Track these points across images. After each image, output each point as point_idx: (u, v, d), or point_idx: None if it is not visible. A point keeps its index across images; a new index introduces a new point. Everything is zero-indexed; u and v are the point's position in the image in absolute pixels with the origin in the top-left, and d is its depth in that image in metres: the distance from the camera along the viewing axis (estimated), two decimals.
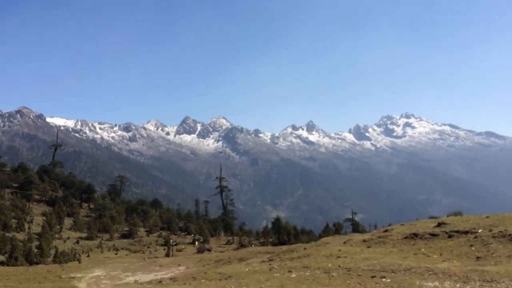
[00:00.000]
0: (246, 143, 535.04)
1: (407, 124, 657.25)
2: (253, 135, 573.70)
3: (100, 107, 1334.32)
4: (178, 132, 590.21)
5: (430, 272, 11.97)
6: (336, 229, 58.09)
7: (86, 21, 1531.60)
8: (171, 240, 48.31)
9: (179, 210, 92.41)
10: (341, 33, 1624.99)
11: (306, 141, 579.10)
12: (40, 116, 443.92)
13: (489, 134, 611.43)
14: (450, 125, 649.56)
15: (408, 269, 12.77)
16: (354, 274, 12.78)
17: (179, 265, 23.31)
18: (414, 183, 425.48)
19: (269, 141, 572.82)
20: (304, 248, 22.57)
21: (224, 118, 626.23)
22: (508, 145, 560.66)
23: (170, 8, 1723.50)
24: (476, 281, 10.26)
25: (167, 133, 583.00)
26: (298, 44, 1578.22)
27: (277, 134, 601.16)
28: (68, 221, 58.33)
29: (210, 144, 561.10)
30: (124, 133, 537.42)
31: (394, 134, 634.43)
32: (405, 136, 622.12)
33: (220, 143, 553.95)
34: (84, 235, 52.80)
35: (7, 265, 25.56)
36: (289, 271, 14.95)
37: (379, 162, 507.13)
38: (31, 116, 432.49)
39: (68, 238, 45.98)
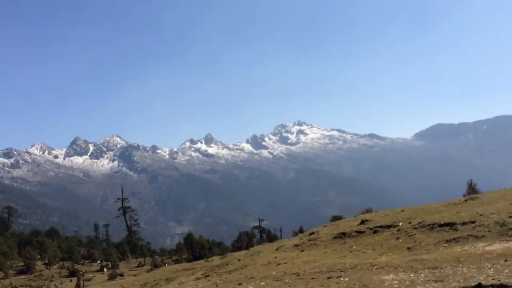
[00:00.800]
0: (144, 161, 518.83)
1: (300, 131, 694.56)
2: (150, 151, 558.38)
3: None
4: (67, 155, 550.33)
5: (376, 267, 13.04)
6: (249, 238, 59.00)
7: None
8: (75, 271, 44.98)
9: (77, 237, 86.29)
10: (231, 45, 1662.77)
11: (205, 154, 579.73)
12: None
13: (372, 136, 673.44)
14: (338, 130, 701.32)
15: (354, 267, 13.74)
16: (307, 278, 13.35)
17: None
18: (309, 186, 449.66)
19: (167, 156, 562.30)
20: (239, 260, 22.59)
21: (118, 136, 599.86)
22: (388, 145, 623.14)
23: (49, 21, 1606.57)
24: (423, 269, 11.48)
25: (55, 156, 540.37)
26: (190, 57, 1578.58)
27: (175, 149, 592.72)
28: None
29: (105, 164, 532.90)
30: (5, 160, 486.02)
31: (289, 141, 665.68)
32: (299, 143, 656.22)
33: (116, 162, 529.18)
34: None
35: None
36: (240, 284, 15.08)
37: (276, 169, 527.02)
38: None
39: None
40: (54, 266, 54.31)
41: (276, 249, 23.05)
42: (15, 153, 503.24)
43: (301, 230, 62.17)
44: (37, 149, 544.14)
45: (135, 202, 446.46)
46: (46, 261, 54.39)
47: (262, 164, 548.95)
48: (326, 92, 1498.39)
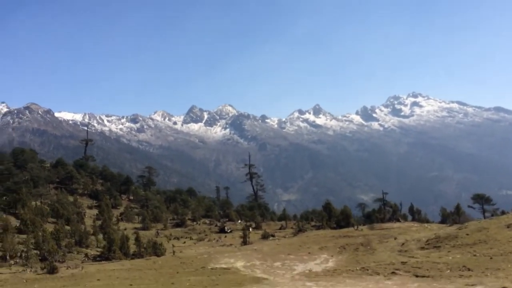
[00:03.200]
0: (254, 129, 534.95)
1: (415, 103, 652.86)
2: (260, 121, 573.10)
3: (106, 99, 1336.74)
4: (185, 121, 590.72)
5: None
6: (394, 211, 55.64)
7: (89, 15, 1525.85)
8: (225, 227, 48.70)
9: (211, 197, 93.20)
10: (342, 17, 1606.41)
11: (313, 124, 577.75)
12: (49, 111, 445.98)
13: (498, 109, 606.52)
14: (458, 102, 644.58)
15: None
16: None
17: (309, 253, 21.84)
18: (424, 161, 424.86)
19: (276, 126, 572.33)
20: (467, 234, 20.97)
21: (230, 105, 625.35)
22: None
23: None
24: None
25: (174, 123, 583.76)
26: (301, 29, 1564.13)
27: (284, 119, 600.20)
28: (115, 213, 59.36)
29: (218, 131, 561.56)
30: (132, 125, 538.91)
31: (402, 113, 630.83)
32: (413, 115, 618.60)
33: (228, 130, 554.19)
34: (137, 225, 53.53)
35: (107, 259, 26.00)
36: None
37: (387, 142, 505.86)
38: (40, 112, 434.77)
39: (125, 229, 46.68)
40: (200, 222, 59.44)
41: (508, 227, 21.02)
42: (140, 118, 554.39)
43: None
44: (159, 116, 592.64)
45: (245, 169, 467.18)
46: (191, 217, 59.42)
47: (372, 137, 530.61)
48: (446, 62, 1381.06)
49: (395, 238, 24.68)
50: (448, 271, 13.53)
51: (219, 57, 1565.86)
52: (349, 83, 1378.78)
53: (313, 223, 55.15)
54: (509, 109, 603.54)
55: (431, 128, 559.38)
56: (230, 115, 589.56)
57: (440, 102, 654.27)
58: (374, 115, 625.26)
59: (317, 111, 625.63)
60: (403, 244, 21.64)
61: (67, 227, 40.20)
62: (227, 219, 64.83)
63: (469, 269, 13.43)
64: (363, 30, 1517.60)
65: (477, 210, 53.73)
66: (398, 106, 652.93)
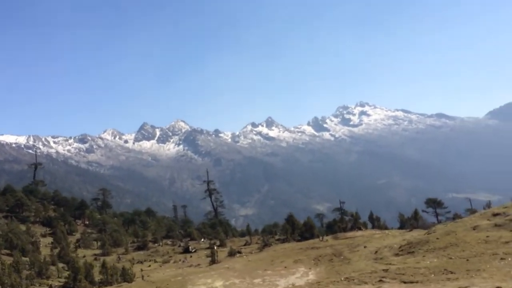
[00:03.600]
0: (208, 144, 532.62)
1: (363, 113, 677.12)
2: (213, 135, 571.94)
3: (52, 120, 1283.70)
4: (136, 139, 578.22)
5: None
6: (355, 219, 56.35)
7: (29, 31, 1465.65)
8: (189, 247, 47.89)
9: (169, 217, 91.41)
10: (292, 27, 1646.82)
11: (266, 137, 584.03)
12: None
13: (440, 115, 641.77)
14: (403, 110, 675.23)
15: None
16: None
17: (285, 267, 21.51)
18: (373, 169, 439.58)
19: (230, 140, 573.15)
20: (437, 238, 21.12)
21: (182, 121, 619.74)
22: (458, 125, 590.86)
23: (115, 9, 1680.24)
24: None
25: (125, 141, 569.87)
26: (252, 39, 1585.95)
27: (237, 133, 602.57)
28: (71, 240, 56.78)
29: (171, 148, 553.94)
30: (80, 145, 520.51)
31: (351, 123, 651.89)
32: (361, 124, 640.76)
33: (181, 146, 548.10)
34: (97, 251, 51.52)
35: None
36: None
37: (339, 152, 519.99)
38: None
39: (85, 257, 44.78)
40: (162, 243, 57.92)
41: (473, 228, 21.24)
42: (89, 138, 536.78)
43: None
44: (109, 135, 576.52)
45: (201, 185, 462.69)
46: (151, 238, 57.95)
47: (324, 147, 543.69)
48: (389, 70, 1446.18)
49: (365, 247, 25.50)
50: (432, 275, 14.24)
51: (169, 71, 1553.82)
52: (300, 94, 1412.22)
53: (277, 237, 55.45)
54: (450, 115, 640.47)
55: (378, 136, 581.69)
56: (183, 131, 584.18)
57: (386, 111, 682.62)
58: (325, 125, 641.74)
59: (269, 123, 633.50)
60: (376, 252, 22.39)
61: (25, 258, 38.16)
62: (189, 238, 63.83)
63: (451, 272, 14.19)
64: (312, 41, 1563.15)
65: (430, 214, 56.19)
66: (347, 116, 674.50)
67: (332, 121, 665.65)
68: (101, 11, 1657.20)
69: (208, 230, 71.60)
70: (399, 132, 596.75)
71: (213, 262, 34.67)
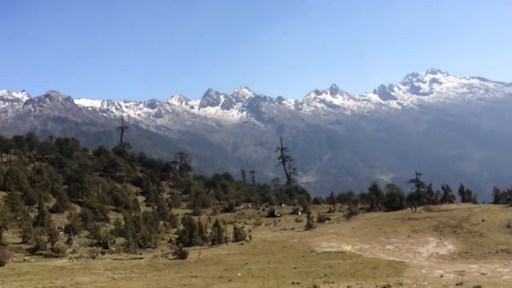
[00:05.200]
0: (270, 111, 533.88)
1: (434, 80, 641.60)
2: (276, 102, 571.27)
3: (124, 85, 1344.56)
4: (202, 105, 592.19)
5: None
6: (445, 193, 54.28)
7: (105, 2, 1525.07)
8: (275, 212, 49.74)
9: (245, 182, 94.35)
10: None
11: (330, 105, 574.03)
12: (68, 99, 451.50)
13: None
14: (479, 78, 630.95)
15: None
16: None
17: (408, 236, 21.02)
18: (444, 139, 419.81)
19: (293, 107, 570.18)
20: None
21: (246, 87, 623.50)
22: None
23: None
24: None
25: (191, 107, 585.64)
26: (317, 7, 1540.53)
27: (300, 100, 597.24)
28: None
29: (235, 114, 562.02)
30: (150, 110, 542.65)
31: (421, 91, 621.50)
32: (432, 93, 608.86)
33: (245, 113, 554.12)
34: (187, 211, 54.86)
35: (190, 244, 26.89)
36: None
37: (406, 121, 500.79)
38: (60, 99, 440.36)
39: (178, 215, 48.02)
40: (245, 206, 60.36)
41: None
42: (158, 103, 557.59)
43: None
44: (176, 100, 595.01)
45: (263, 151, 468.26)
46: (234, 202, 60.45)
47: (390, 116, 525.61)
48: (463, 35, 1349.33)
49: (483, 220, 25.07)
50: None
51: (234, 39, 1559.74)
52: (366, 61, 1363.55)
53: (359, 206, 55.73)
54: None
55: (451, 105, 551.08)
56: (247, 97, 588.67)
57: (460, 78, 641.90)
58: (392, 93, 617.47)
59: (334, 91, 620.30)
60: (509, 225, 22.04)
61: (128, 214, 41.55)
62: (268, 203, 65.78)
63: None
64: (381, 5, 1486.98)
65: None
66: (416, 84, 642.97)
67: (400, 89, 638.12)
68: None
69: (285, 196, 73.45)
70: (474, 101, 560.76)
71: (309, 226, 35.74)
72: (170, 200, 61.81)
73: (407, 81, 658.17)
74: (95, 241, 28.05)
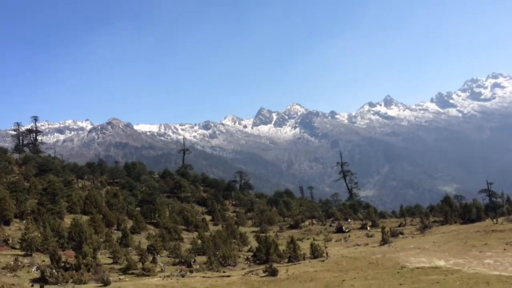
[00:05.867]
0: (324, 126, 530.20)
1: (496, 85, 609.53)
2: (329, 117, 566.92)
3: (178, 109, 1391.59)
4: (254, 124, 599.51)
5: None
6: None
7: (157, 31, 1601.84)
8: (343, 227, 48.93)
9: (306, 198, 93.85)
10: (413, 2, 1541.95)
11: (385, 116, 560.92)
12: (128, 125, 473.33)
13: None
14: None
15: None
16: None
17: (504, 249, 20.50)
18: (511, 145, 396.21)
19: (346, 121, 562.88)
20: None
21: (298, 104, 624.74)
22: None
23: (237, 4, 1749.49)
24: None
25: (245, 126, 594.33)
26: (368, 20, 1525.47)
27: (354, 113, 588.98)
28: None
29: (288, 131, 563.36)
30: (204, 131, 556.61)
31: (482, 97, 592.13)
32: (494, 98, 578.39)
33: (298, 129, 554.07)
34: (253, 228, 55.26)
35: (266, 261, 27.04)
36: None
37: (468, 129, 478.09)
38: (120, 126, 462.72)
39: (245, 233, 48.49)
40: (310, 222, 59.87)
41: None
42: (212, 124, 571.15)
43: None
44: (229, 120, 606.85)
45: (318, 167, 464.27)
46: (297, 218, 59.98)
47: (450, 124, 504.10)
48: None
49: None
50: None
51: (284, 57, 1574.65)
52: (421, 70, 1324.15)
53: (431, 219, 53.53)
54: None
55: None
56: (299, 114, 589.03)
57: None
58: (451, 101, 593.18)
59: (388, 102, 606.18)
60: None
61: (195, 233, 42.50)
62: (333, 218, 64.80)
63: None
64: (434, 12, 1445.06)
65: None
66: (477, 89, 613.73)
67: (459, 96, 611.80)
68: (220, 7, 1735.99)
69: (349, 211, 72.05)
70: None
71: (384, 242, 34.79)
72: (235, 218, 62.59)
73: (466, 88, 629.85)
74: (176, 260, 28.99)
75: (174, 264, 28.07)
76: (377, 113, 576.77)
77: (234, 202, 78.61)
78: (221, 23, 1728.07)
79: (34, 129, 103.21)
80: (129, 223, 45.09)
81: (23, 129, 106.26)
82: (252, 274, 20.15)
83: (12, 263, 22.06)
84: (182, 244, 39.97)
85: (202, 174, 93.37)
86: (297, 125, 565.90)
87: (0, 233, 29.18)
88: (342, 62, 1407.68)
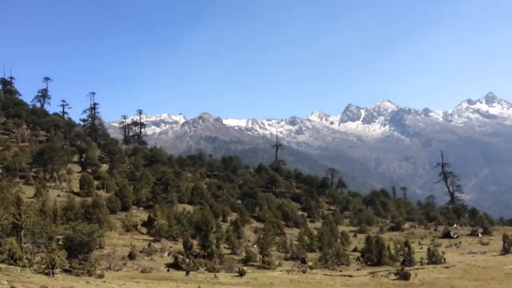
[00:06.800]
0: (416, 124, 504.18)
1: None
2: (422, 115, 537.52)
3: (266, 104, 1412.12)
4: (342, 121, 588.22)
5: None
6: None
7: (248, 27, 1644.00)
8: (450, 232, 46.42)
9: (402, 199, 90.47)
10: None
11: (486, 115, 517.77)
12: (218, 119, 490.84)
13: None
14: None
15: None
16: None
17: None
18: None
19: (441, 119, 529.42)
20: None
21: (388, 101, 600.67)
22: None
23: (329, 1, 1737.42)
24: None
25: (331, 123, 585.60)
26: (471, 5, 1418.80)
27: (450, 111, 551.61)
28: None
29: (376, 129, 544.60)
30: (291, 127, 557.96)
31: None
32: None
33: (387, 127, 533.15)
34: (351, 228, 54.57)
35: (377, 263, 26.65)
36: None
37: None
38: (211, 120, 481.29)
39: (343, 232, 48.09)
40: (406, 225, 57.61)
41: None
42: (298, 120, 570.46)
43: None
44: (316, 116, 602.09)
45: (408, 167, 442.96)
46: (401, 220, 57.89)
47: None
48: None
49: None
50: None
51: (374, 50, 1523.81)
52: None
53: None
54: None
55: None
56: (389, 111, 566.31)
57: None
58: None
59: (490, 99, 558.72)
60: None
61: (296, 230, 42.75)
62: (435, 222, 61.61)
63: None
64: None
65: None
66: None
67: None
68: (305, 6, 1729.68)
69: (452, 215, 68.00)
70: None
71: (505, 251, 32.41)
72: (331, 216, 62.17)
73: None
74: (288, 255, 29.58)
75: (286, 259, 28.69)
76: (477, 111, 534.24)
77: (327, 200, 78.07)
78: (307, 24, 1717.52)
79: (139, 121, 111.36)
80: (233, 216, 46.91)
81: (127, 121, 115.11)
82: (376, 275, 19.85)
83: (147, 247, 24.08)
84: (284, 238, 40.70)
85: (295, 170, 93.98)
86: (386, 122, 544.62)
87: (130, 219, 31.98)
88: (438, 55, 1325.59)
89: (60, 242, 20.75)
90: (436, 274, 20.29)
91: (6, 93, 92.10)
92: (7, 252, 14.12)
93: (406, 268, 23.62)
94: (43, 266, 13.44)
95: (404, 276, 18.42)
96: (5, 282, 10.74)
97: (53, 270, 13.12)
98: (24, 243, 17.00)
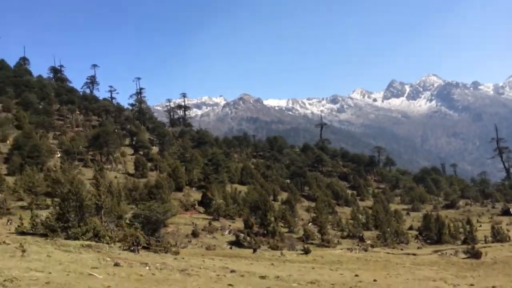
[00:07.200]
0: (465, 98, 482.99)
1: None
2: (471, 88, 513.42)
3: (306, 84, 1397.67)
4: (385, 97, 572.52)
5: None
6: None
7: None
8: (510, 209, 44.82)
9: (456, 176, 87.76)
10: None
11: None
12: (258, 100, 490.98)
13: None
14: None
15: None
16: None
17: None
18: None
19: (492, 92, 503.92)
20: None
21: (434, 75, 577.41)
22: None
23: None
24: None
25: (374, 100, 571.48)
26: None
27: (501, 84, 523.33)
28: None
29: (422, 104, 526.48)
30: (332, 105, 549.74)
31: None
32: None
33: (434, 102, 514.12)
34: (404, 206, 53.85)
35: (438, 242, 26.10)
36: None
37: None
38: (251, 101, 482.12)
39: (396, 210, 47.42)
40: (461, 202, 56.07)
41: None
42: (340, 99, 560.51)
43: None
44: (358, 94, 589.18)
45: (457, 142, 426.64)
46: (456, 197, 56.44)
47: None
48: None
49: None
50: None
51: (418, 23, 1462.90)
52: None
53: None
54: None
55: None
56: (435, 85, 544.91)
57: None
58: None
59: None
60: None
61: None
62: (491, 199, 59.48)
63: None
64: None
65: None
66: None
67: None
68: None
69: (510, 192, 65.39)
70: None
71: None
72: (382, 195, 61.33)
73: None
74: (344, 233, 29.53)
75: (342, 237, 28.66)
76: None
77: (376, 178, 76.95)
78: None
79: (183, 104, 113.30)
80: (283, 195, 47.22)
81: (172, 104, 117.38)
82: (445, 254, 19.46)
83: (207, 226, 24.75)
84: (336, 217, 40.60)
85: (341, 149, 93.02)
86: (433, 97, 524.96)
87: (188, 199, 32.91)
88: (488, 26, 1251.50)
89: (127, 221, 21.80)
90: (506, 252, 19.63)
91: (57, 81, 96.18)
92: (92, 231, 15.11)
93: (468, 246, 23.02)
94: (128, 243, 14.24)
95: (475, 255, 17.94)
96: (108, 259, 11.45)
97: (138, 247, 13.86)
98: (104, 222, 18.09)
